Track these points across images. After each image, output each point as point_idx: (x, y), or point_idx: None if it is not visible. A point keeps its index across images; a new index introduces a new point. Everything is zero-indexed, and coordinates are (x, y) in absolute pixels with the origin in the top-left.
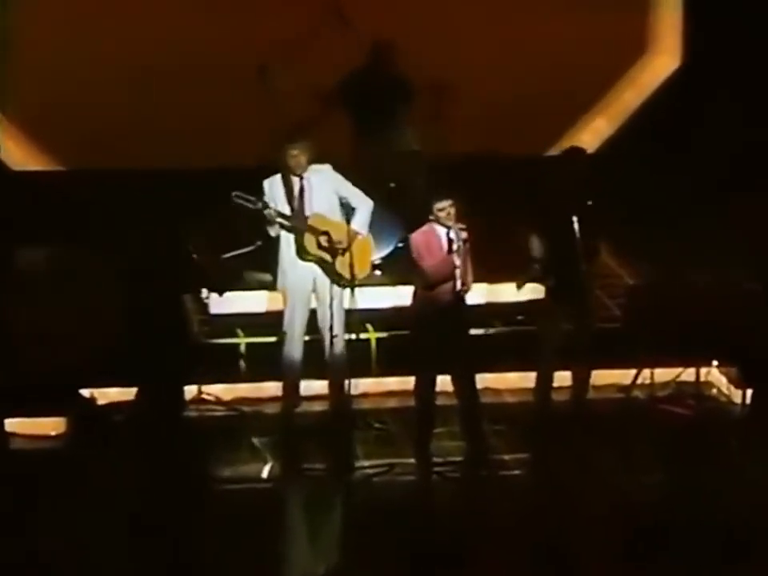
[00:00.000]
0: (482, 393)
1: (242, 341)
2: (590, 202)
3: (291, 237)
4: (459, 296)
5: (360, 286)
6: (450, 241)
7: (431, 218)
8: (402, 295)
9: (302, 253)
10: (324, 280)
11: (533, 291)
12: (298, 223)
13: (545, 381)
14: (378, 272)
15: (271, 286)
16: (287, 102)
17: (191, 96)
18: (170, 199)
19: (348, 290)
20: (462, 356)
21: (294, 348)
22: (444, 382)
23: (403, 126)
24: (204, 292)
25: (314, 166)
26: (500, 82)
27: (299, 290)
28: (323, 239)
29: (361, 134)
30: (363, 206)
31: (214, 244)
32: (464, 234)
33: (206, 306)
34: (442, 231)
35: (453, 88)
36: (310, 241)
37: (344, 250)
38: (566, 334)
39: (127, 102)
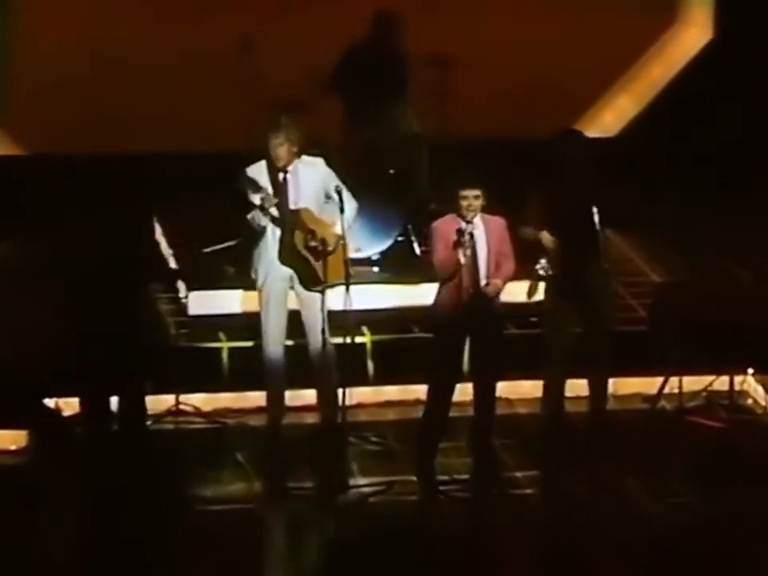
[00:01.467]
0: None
1: (224, 345)
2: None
3: (278, 232)
4: (472, 296)
5: (353, 283)
6: (460, 235)
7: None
8: (400, 295)
9: (288, 250)
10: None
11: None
12: (291, 217)
13: (555, 389)
14: (374, 268)
15: (251, 285)
16: (272, 81)
17: (165, 79)
18: (141, 186)
19: (334, 289)
20: (477, 362)
21: (274, 353)
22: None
23: (403, 106)
24: (182, 291)
25: (306, 158)
26: (514, 56)
27: (275, 289)
28: (310, 238)
29: (355, 114)
30: (348, 206)
31: (191, 236)
32: (470, 228)
33: (183, 306)
34: (462, 224)
35: (459, 62)
36: (299, 238)
37: (327, 253)
38: (580, 337)
39: (92, 86)
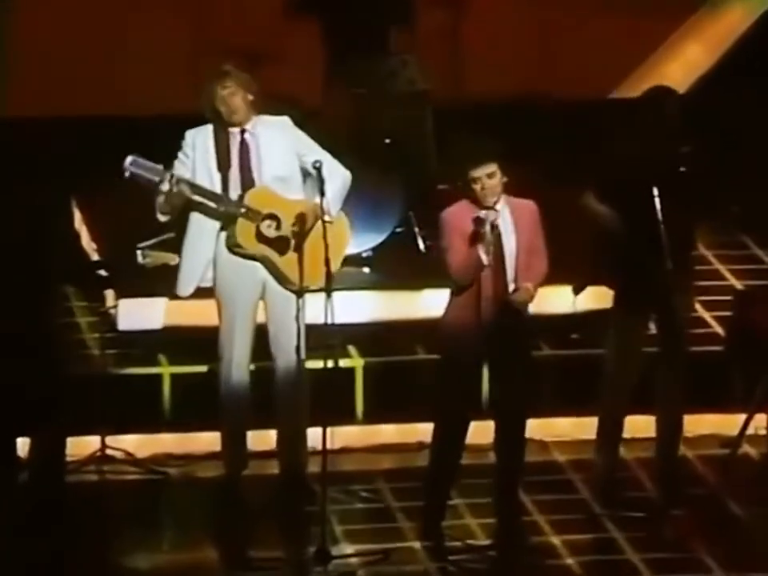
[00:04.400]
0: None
1: (166, 371)
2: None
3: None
4: (494, 307)
5: (340, 289)
6: (479, 226)
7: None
8: (399, 304)
9: (231, 246)
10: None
11: (595, 298)
12: (227, 204)
13: (611, 430)
14: (365, 269)
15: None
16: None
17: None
18: (53, 157)
19: (315, 297)
20: (500, 392)
21: (236, 382)
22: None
23: (403, 55)
24: (109, 299)
25: (266, 118)
26: None
27: (240, 298)
28: (267, 226)
29: (339, 65)
30: (335, 175)
31: (122, 225)
32: (492, 216)
33: (111, 319)
34: (475, 212)
35: None
36: (244, 230)
37: (298, 243)
38: (644, 361)
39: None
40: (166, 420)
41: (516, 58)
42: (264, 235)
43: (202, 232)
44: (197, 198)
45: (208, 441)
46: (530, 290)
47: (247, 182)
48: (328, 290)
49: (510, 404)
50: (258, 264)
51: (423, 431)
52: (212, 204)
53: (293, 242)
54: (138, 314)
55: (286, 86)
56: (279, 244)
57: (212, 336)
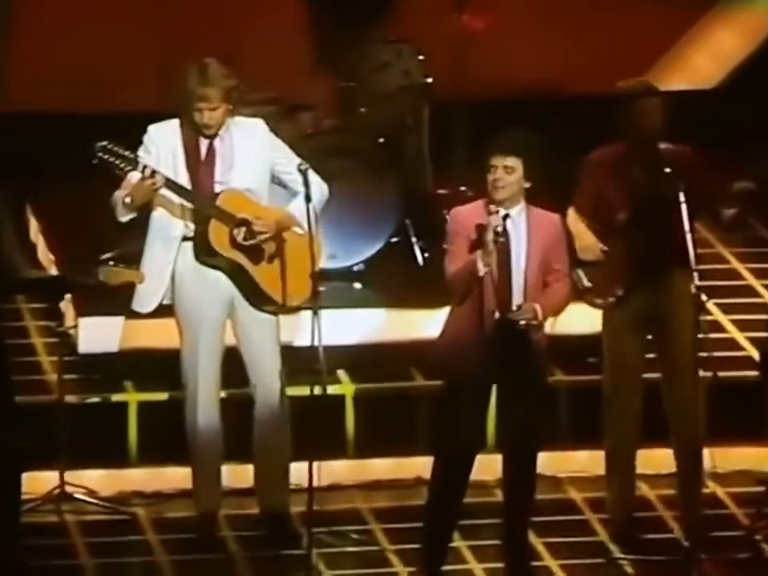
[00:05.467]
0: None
1: (132, 398)
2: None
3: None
4: (499, 325)
5: (328, 307)
6: (481, 231)
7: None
8: (395, 323)
9: (204, 252)
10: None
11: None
12: (201, 202)
13: (621, 463)
14: (357, 285)
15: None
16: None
17: None
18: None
19: (294, 316)
20: (507, 423)
21: (204, 412)
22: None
23: (397, 43)
24: (69, 318)
25: (240, 120)
26: None
27: (205, 316)
28: (240, 232)
29: (325, 56)
30: (313, 186)
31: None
32: (496, 222)
33: (70, 341)
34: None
35: None
36: (218, 233)
37: (273, 254)
38: (649, 387)
39: None
40: (132, 454)
41: (529, 46)
42: (236, 241)
43: (165, 239)
44: (167, 193)
45: (180, 477)
46: (535, 310)
47: (208, 190)
48: (314, 307)
49: (519, 436)
50: (223, 277)
51: (421, 466)
52: (185, 202)
53: (267, 252)
54: (102, 334)
55: (266, 80)
56: (253, 252)
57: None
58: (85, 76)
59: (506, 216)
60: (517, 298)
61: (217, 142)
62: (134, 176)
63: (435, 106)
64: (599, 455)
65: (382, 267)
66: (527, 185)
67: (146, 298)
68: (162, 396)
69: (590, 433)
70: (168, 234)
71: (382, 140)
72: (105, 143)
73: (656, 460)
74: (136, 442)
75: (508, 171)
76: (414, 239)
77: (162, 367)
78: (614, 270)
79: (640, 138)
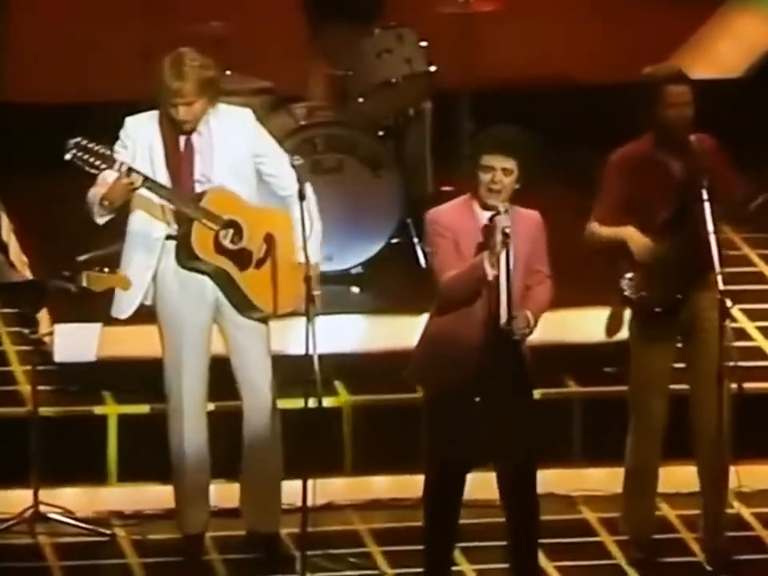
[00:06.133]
0: (544, 503)
1: (111, 411)
2: None
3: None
4: (501, 335)
5: (324, 313)
6: (488, 233)
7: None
8: (396, 330)
9: (186, 256)
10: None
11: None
12: (183, 202)
13: (641, 480)
14: (355, 289)
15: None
16: None
17: None
18: None
19: (291, 321)
20: (509, 439)
21: (189, 426)
22: (476, 483)
23: (398, 28)
24: (43, 325)
25: (224, 108)
26: None
27: (188, 318)
28: (227, 235)
29: (320, 42)
30: (310, 189)
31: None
32: (505, 222)
33: (46, 349)
34: (482, 214)
35: None
36: (201, 236)
37: (262, 258)
38: (691, 399)
39: None
40: (112, 471)
41: (540, 31)
42: (223, 245)
43: (146, 242)
44: (147, 193)
45: (163, 496)
46: (528, 318)
47: (188, 189)
48: (309, 313)
49: (515, 451)
50: (208, 279)
51: (421, 485)
52: (166, 203)
53: (255, 256)
54: (79, 342)
55: (256, 68)
56: (240, 257)
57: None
58: (60, 63)
59: (494, 218)
60: (506, 305)
61: (195, 137)
62: (110, 175)
63: (439, 96)
64: (615, 472)
65: (381, 270)
66: (517, 186)
67: (125, 303)
68: (144, 408)
69: (605, 448)
70: (149, 236)
71: (381, 133)
72: (78, 139)
73: (677, 478)
74: (116, 458)
75: (506, 173)
76: (415, 240)
77: (145, 377)
78: (667, 273)
79: (671, 129)
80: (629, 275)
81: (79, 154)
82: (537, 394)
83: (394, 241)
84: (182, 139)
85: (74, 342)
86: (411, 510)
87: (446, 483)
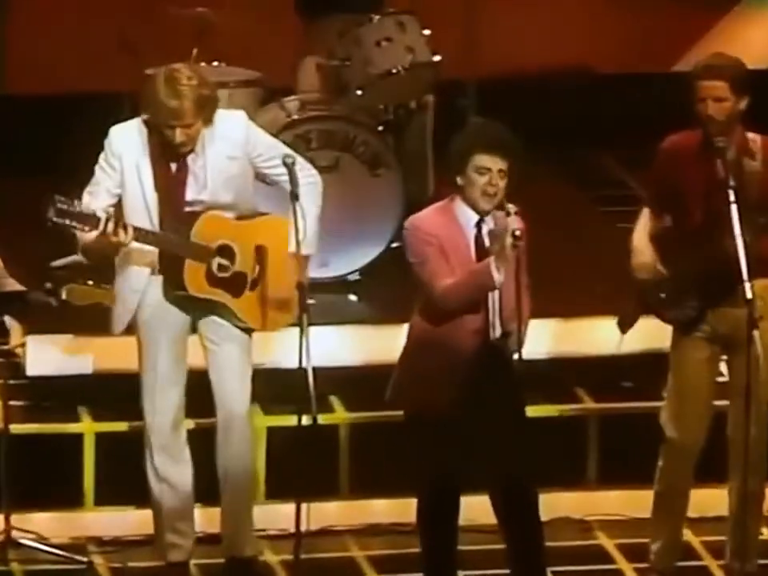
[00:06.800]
0: (552, 528)
1: (87, 430)
2: None
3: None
4: (496, 345)
5: (314, 324)
6: (480, 238)
7: (459, 181)
8: (395, 342)
9: (172, 291)
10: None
11: (651, 334)
12: (174, 245)
13: (672, 505)
14: (352, 297)
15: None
16: None
17: None
18: None
19: (279, 333)
20: (502, 457)
21: (165, 445)
22: (474, 505)
23: (399, 15)
24: (14, 335)
25: (218, 112)
26: None
27: (165, 330)
28: (218, 264)
29: (314, 29)
30: (306, 186)
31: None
32: (515, 225)
33: (17, 362)
34: (467, 218)
35: None
36: (193, 272)
37: (256, 279)
38: (731, 416)
39: None
40: (88, 494)
41: (553, 19)
42: (215, 276)
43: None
44: (137, 245)
45: (143, 521)
46: (523, 340)
47: (179, 212)
48: (302, 324)
49: (503, 470)
50: None
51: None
52: (156, 248)
53: (249, 277)
54: (53, 355)
55: (244, 58)
56: (233, 283)
57: None
58: (34, 55)
59: (481, 222)
60: (500, 315)
61: (190, 159)
62: (94, 233)
63: (443, 89)
64: (634, 495)
65: (380, 276)
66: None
67: (121, 318)
68: (123, 426)
69: (623, 469)
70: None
71: (380, 128)
72: (58, 204)
73: (701, 501)
74: (93, 479)
75: (502, 176)
76: None
77: (124, 393)
78: (690, 279)
79: (704, 125)
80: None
81: (61, 220)
82: (552, 410)
83: (394, 245)
84: (174, 159)
85: (48, 355)
86: (412, 535)
87: (438, 506)
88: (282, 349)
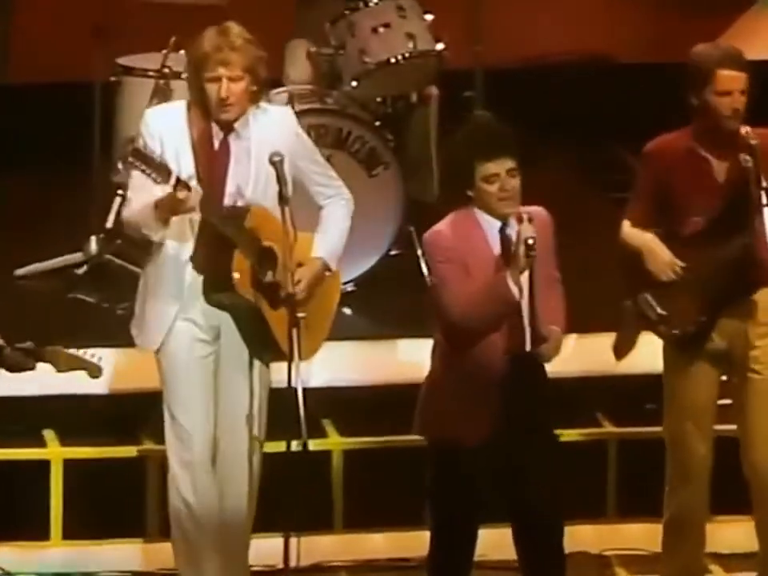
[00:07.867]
0: (568, 563)
1: (55, 456)
2: None
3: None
4: (528, 362)
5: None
6: (507, 245)
7: (470, 194)
8: (394, 359)
9: (217, 288)
10: (235, 332)
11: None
12: (229, 223)
13: (682, 534)
14: (347, 311)
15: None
16: None
17: None
18: None
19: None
20: (532, 486)
21: (194, 477)
22: (490, 540)
23: (400, 1)
24: None
25: (264, 106)
26: None
27: (195, 355)
28: (263, 268)
29: (305, 15)
30: (335, 203)
31: None
32: (528, 233)
33: None
34: (490, 224)
35: None
36: (241, 267)
37: (290, 296)
38: (742, 442)
39: None
40: (56, 527)
41: (564, 5)
42: (258, 279)
43: (175, 264)
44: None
45: (119, 555)
46: (560, 337)
47: (219, 204)
48: (292, 340)
49: (538, 505)
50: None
51: (426, 542)
52: (215, 223)
53: (283, 291)
54: (20, 374)
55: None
56: (273, 293)
57: (129, 404)
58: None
59: (505, 226)
60: (531, 326)
61: (231, 138)
62: (138, 186)
63: (446, 80)
64: (656, 528)
65: (377, 287)
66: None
67: (155, 330)
68: (94, 452)
69: (645, 500)
70: (179, 257)
71: (378, 123)
72: (139, 146)
73: (730, 536)
74: (60, 511)
75: (513, 174)
76: (419, 252)
77: (96, 416)
78: (693, 292)
79: (718, 121)
80: (647, 292)
81: (138, 163)
82: (573, 435)
83: (393, 253)
84: (217, 137)
85: (15, 374)
86: (413, 571)
87: (455, 541)
88: (270, 368)
